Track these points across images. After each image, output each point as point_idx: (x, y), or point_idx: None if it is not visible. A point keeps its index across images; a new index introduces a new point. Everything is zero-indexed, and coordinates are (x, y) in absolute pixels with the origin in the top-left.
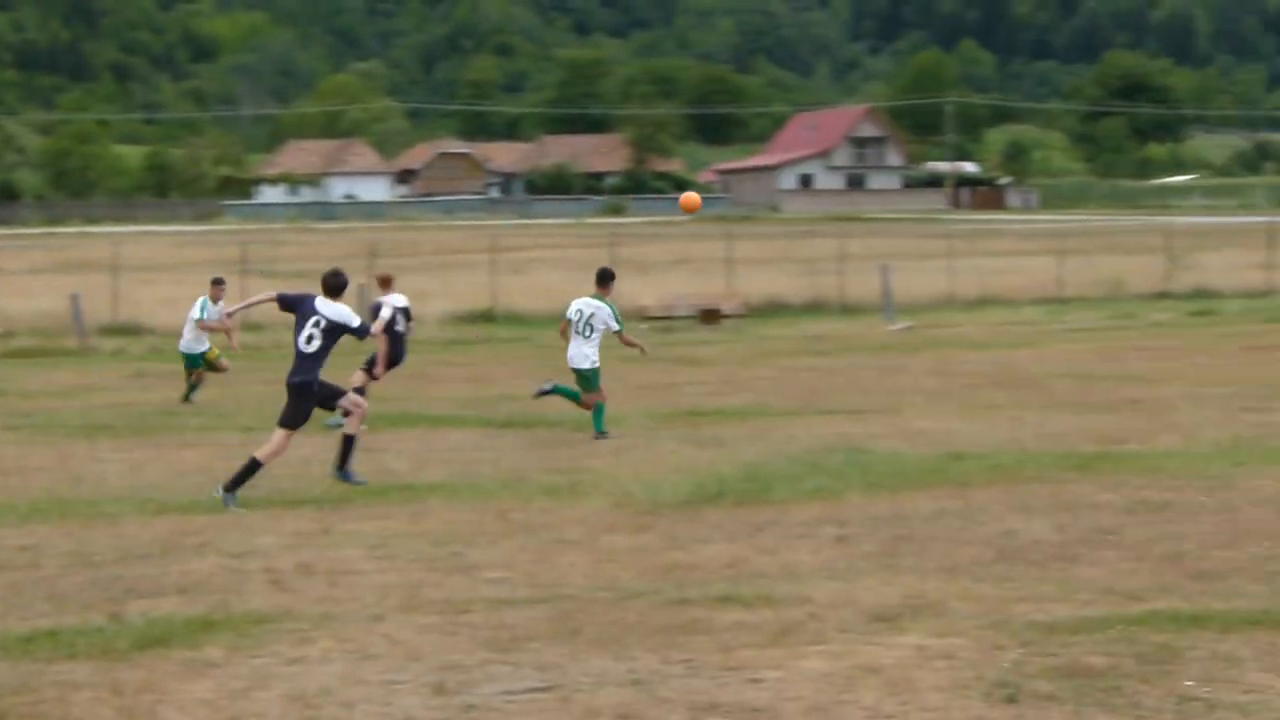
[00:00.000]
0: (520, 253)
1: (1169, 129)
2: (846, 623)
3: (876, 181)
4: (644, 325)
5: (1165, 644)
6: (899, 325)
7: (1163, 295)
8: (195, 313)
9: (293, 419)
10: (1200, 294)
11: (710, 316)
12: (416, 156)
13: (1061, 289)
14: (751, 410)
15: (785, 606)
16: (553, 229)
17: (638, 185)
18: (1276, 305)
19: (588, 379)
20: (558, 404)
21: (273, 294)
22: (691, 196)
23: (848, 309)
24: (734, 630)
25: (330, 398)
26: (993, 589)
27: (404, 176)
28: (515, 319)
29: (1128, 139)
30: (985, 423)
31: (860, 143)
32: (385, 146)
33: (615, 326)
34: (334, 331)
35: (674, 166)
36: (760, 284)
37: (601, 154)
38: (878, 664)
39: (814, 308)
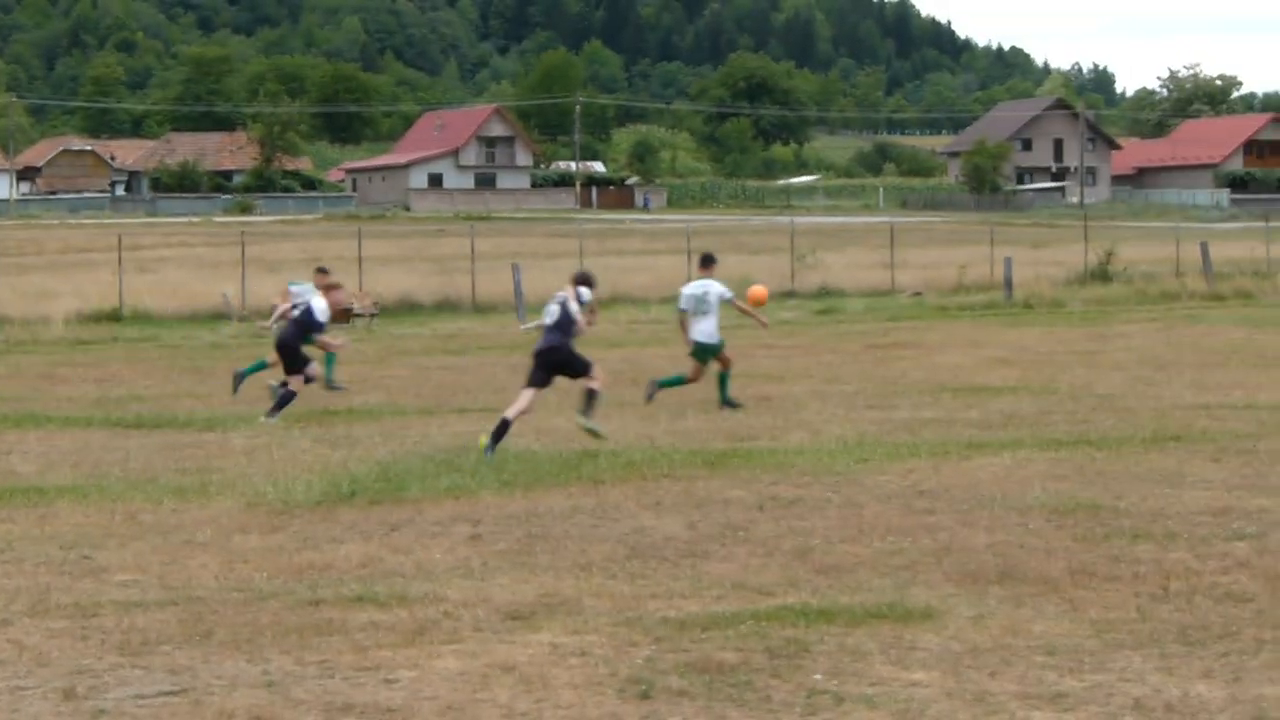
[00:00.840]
0: (148, 251)
1: (792, 130)
2: (481, 621)
3: (506, 181)
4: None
5: (794, 638)
6: (531, 324)
7: (789, 294)
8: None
9: None
10: (825, 293)
11: (342, 315)
12: (39, 154)
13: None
14: (385, 409)
15: (420, 605)
16: (180, 227)
17: (266, 183)
18: (898, 304)
19: (714, 351)
20: (188, 403)
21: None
22: (758, 290)
23: (480, 308)
24: (368, 630)
25: None
26: (626, 586)
27: (26, 174)
28: (143, 318)
29: (753, 140)
30: (617, 420)
31: (489, 142)
32: (6, 143)
33: (728, 294)
34: None
35: (302, 165)
36: (392, 283)
37: (229, 152)
38: (512, 662)
39: (446, 307)
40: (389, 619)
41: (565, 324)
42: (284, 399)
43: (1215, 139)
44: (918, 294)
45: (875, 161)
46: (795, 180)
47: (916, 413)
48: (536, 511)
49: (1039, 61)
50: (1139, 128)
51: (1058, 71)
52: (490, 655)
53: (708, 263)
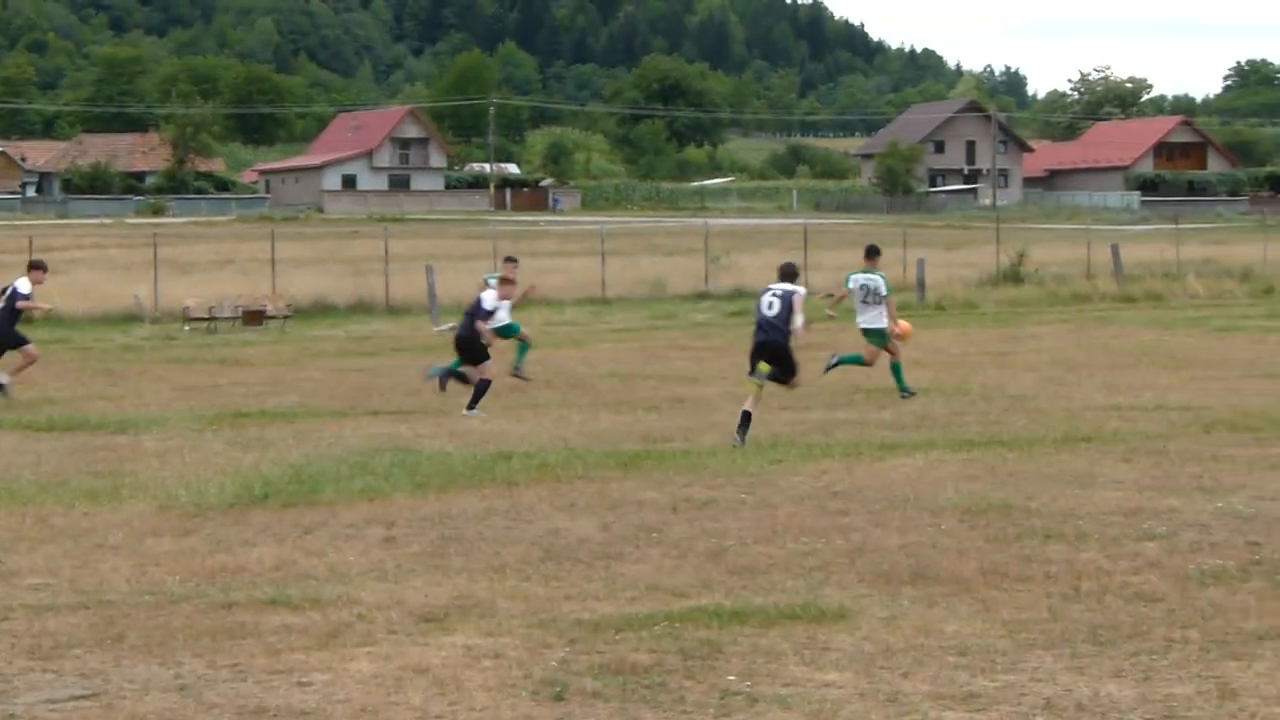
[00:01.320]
0: (59, 253)
1: (706, 132)
2: (395, 624)
3: (420, 182)
4: (186, 327)
5: (708, 639)
6: (445, 325)
7: (703, 295)
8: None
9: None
10: (739, 294)
11: (254, 318)
12: None
13: (605, 289)
14: (298, 411)
15: (333, 608)
16: (92, 229)
17: (179, 185)
18: (813, 305)
19: (881, 336)
20: (101, 405)
21: None
22: (905, 326)
23: (394, 310)
24: (281, 633)
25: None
26: (540, 588)
27: None
28: (54, 320)
29: (667, 142)
30: (532, 422)
31: (403, 143)
32: None
33: (884, 293)
34: None
35: (215, 166)
36: (305, 285)
37: (141, 153)
38: (426, 664)
39: (360, 308)
40: (302, 622)
41: (784, 319)
42: (480, 389)
43: (1126, 141)
44: (831, 296)
45: (789, 163)
46: (709, 182)
47: (830, 414)
48: (450, 514)
49: (951, 64)
50: (1050, 130)
51: (970, 74)
52: (404, 658)
53: (872, 254)
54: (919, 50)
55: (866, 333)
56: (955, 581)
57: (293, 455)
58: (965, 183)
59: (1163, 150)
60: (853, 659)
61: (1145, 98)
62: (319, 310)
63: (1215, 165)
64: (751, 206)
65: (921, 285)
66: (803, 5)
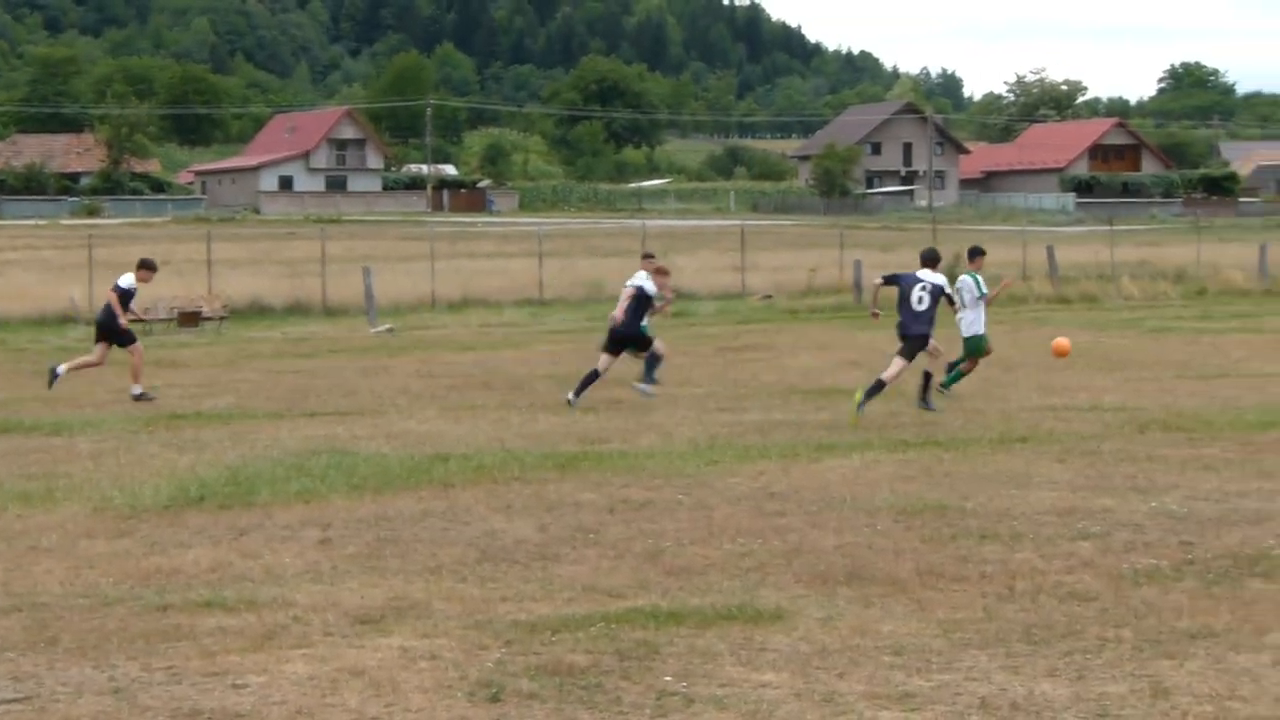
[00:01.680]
0: None
1: (644, 133)
2: (330, 625)
3: (357, 184)
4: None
5: (645, 640)
6: (382, 327)
7: None
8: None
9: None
10: (677, 295)
11: (190, 319)
12: None
13: (542, 291)
14: (234, 413)
15: (268, 610)
16: (27, 230)
17: (114, 186)
18: (749, 307)
19: (974, 343)
20: (35, 408)
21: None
22: (1062, 344)
23: (331, 311)
24: (216, 635)
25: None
26: (476, 589)
27: None
28: None
29: (604, 143)
30: (469, 423)
31: (340, 145)
32: None
33: (977, 292)
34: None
35: (151, 167)
36: (242, 286)
37: (76, 154)
38: (362, 666)
39: (297, 310)
40: (237, 624)
41: (932, 312)
42: (652, 360)
43: (1061, 143)
44: (768, 297)
45: (726, 165)
46: (646, 183)
47: (767, 415)
48: (386, 515)
49: (888, 66)
50: (987, 132)
51: (907, 76)
52: (339, 660)
53: (974, 255)
54: (856, 52)
55: (964, 340)
56: (891, 582)
57: (229, 457)
58: (902, 184)
59: (1097, 152)
60: (789, 659)
61: (1080, 100)
62: (255, 312)
63: (1149, 167)
64: (689, 208)
65: (858, 286)
66: (740, 7)
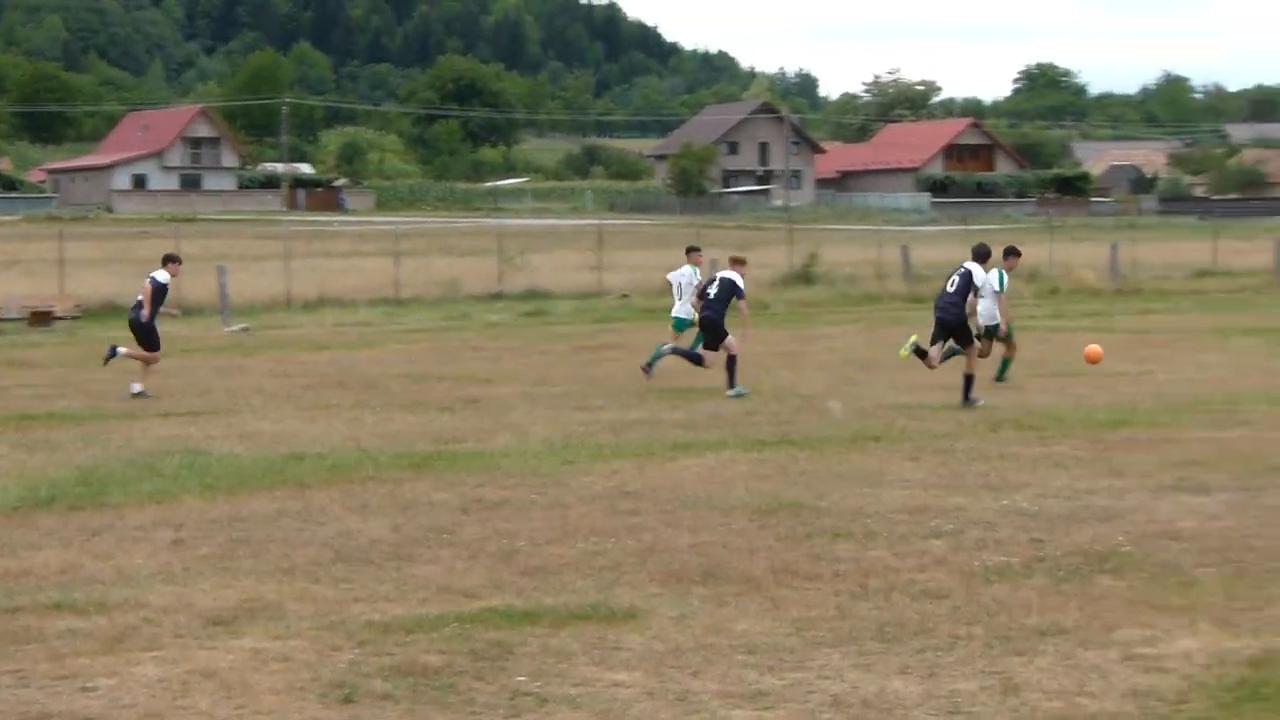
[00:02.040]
0: None
1: (501, 133)
2: (182, 627)
3: (212, 182)
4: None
5: (499, 640)
6: (236, 326)
7: (497, 296)
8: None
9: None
10: (533, 295)
11: (41, 318)
12: None
13: (398, 290)
14: (85, 414)
15: (119, 612)
16: None
17: None
18: (606, 306)
19: (990, 332)
20: None
21: None
22: (1095, 351)
23: (185, 310)
24: (66, 638)
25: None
26: (330, 590)
27: None
28: None
29: (461, 142)
30: (324, 423)
31: (194, 143)
32: None
33: (995, 288)
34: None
35: (2, 165)
36: (94, 285)
37: None
38: (213, 668)
39: None
40: (88, 626)
41: (962, 295)
42: (730, 366)
43: (916, 143)
44: (625, 296)
45: (583, 164)
46: (503, 182)
47: (623, 414)
48: (240, 516)
49: (745, 66)
50: (843, 132)
51: (763, 76)
52: (191, 662)
53: (1009, 255)
54: (713, 52)
55: (987, 329)
56: (745, 580)
57: (80, 458)
58: (758, 184)
59: (952, 152)
60: (642, 658)
61: (935, 100)
62: (109, 311)
63: (1003, 167)
64: (546, 207)
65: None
66: (598, 6)
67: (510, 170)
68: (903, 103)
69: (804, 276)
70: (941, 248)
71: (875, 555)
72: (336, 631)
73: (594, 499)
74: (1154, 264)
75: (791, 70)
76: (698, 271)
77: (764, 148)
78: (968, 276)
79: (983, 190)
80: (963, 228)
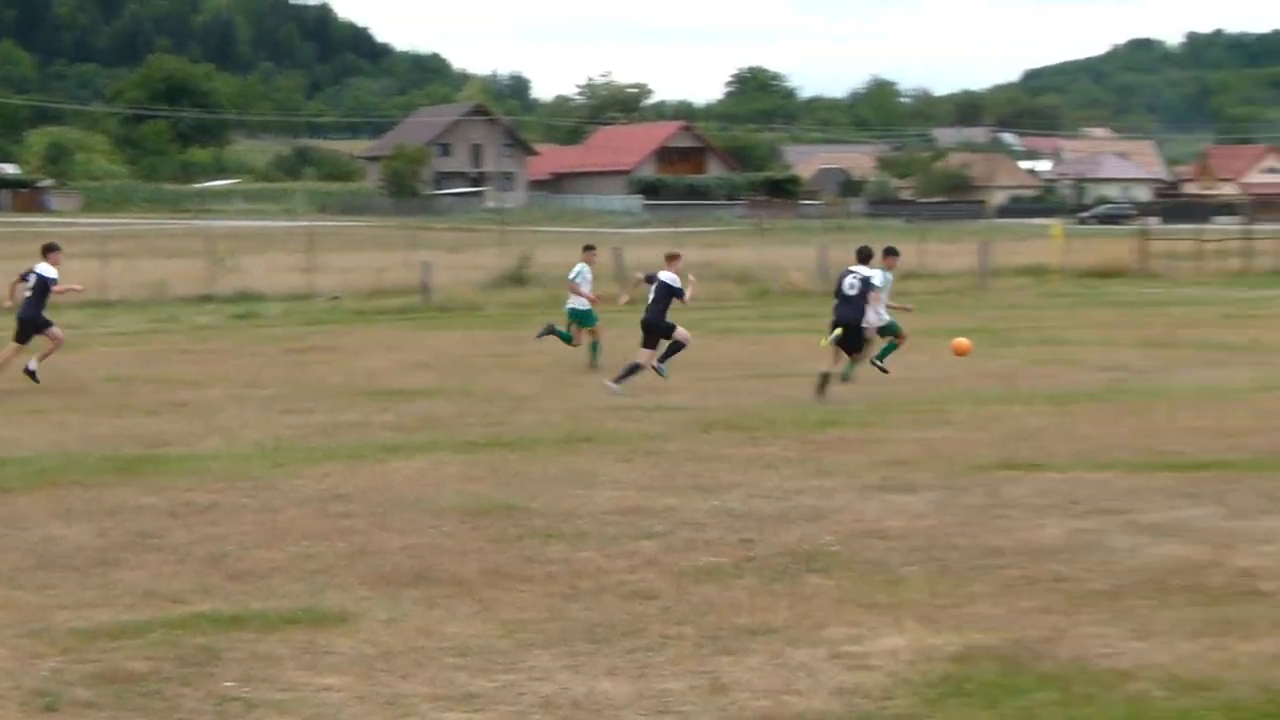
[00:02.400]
0: None
1: (211, 133)
2: None
3: None
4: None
5: (206, 646)
6: None
7: (206, 298)
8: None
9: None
10: (244, 297)
11: None
12: None
13: (105, 292)
14: None
15: None
16: None
17: None
18: (317, 308)
19: (891, 329)
20: None
21: None
22: (962, 344)
23: None
24: None
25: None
26: (33, 596)
27: None
28: None
29: (170, 142)
30: (29, 427)
31: None
32: None
33: (877, 286)
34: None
35: None
36: None
37: None
38: None
39: None
40: None
41: (864, 298)
42: (674, 349)
43: (628, 146)
44: (336, 298)
45: (295, 165)
46: (212, 184)
47: (334, 416)
48: None
49: (457, 67)
50: (556, 134)
51: (476, 78)
52: None
53: (888, 254)
54: (425, 54)
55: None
56: (456, 583)
57: None
58: (471, 185)
59: (664, 155)
60: (352, 662)
61: (647, 103)
62: None
63: (715, 170)
64: (257, 208)
65: (426, 288)
66: (309, 7)
67: (221, 171)
68: (615, 105)
69: (517, 278)
70: (654, 249)
71: (586, 556)
72: (39, 639)
73: (304, 502)
74: None
75: (504, 72)
76: (586, 268)
77: (477, 150)
78: (867, 281)
79: (694, 192)
80: (673, 230)
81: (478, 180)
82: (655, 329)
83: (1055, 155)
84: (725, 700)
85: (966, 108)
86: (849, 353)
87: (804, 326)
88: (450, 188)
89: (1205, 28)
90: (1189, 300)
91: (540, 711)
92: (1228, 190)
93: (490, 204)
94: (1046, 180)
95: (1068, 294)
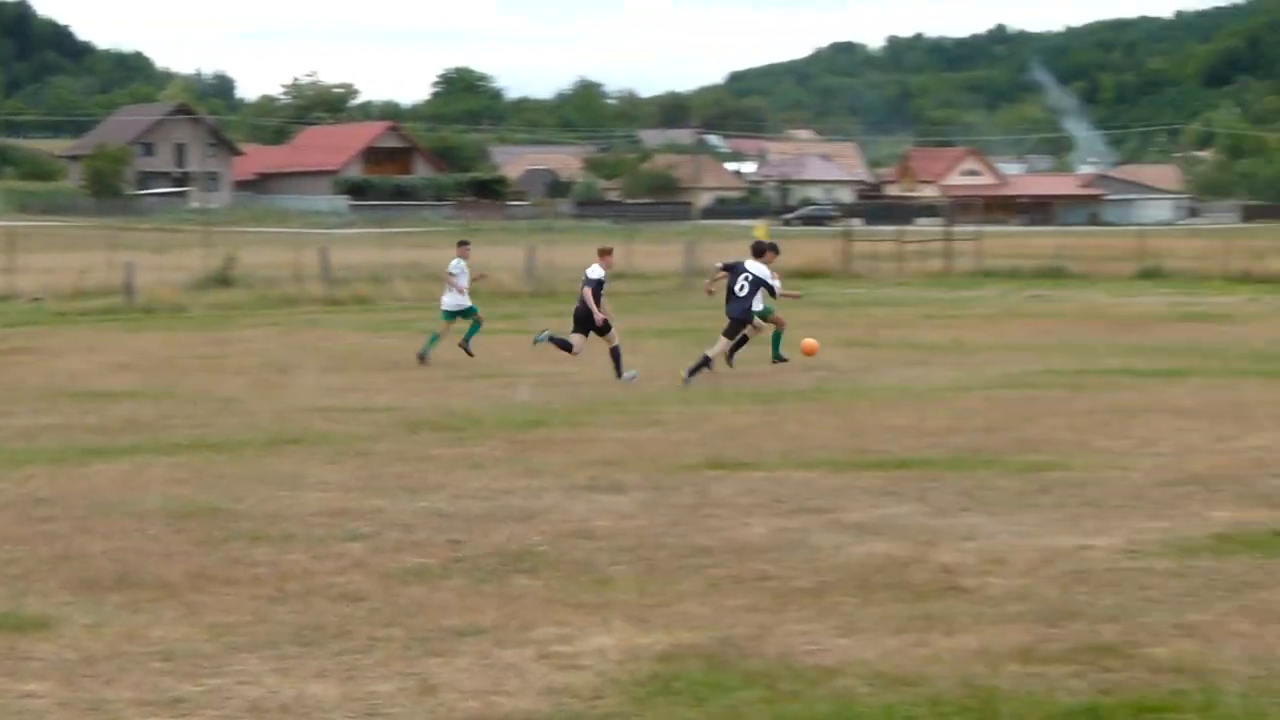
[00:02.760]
0: None
1: None
2: None
3: None
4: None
5: None
6: None
7: None
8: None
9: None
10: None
11: None
12: None
13: None
14: None
15: None
16: None
17: None
18: (17, 310)
19: (762, 315)
20: None
21: None
22: (810, 344)
23: None
24: None
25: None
26: None
27: None
28: None
29: None
30: None
31: None
32: None
33: (771, 283)
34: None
35: None
36: None
37: None
38: None
39: None
40: None
41: (754, 295)
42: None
43: (335, 146)
44: (37, 299)
45: None
46: None
47: (35, 419)
48: None
49: (160, 66)
50: (261, 134)
51: (180, 77)
52: None
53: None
54: (128, 52)
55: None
56: (161, 586)
57: None
58: (175, 185)
59: (371, 155)
60: (54, 668)
61: (354, 103)
62: None
63: (422, 170)
64: None
65: (130, 289)
66: (8, 4)
67: None
68: (321, 105)
69: (222, 279)
70: (360, 250)
71: (293, 559)
72: None
73: (5, 506)
74: (570, 267)
75: (209, 72)
76: (462, 263)
77: (181, 149)
78: (757, 280)
79: (401, 193)
80: (380, 230)
81: (182, 180)
82: (587, 320)
83: (760, 157)
84: (434, 701)
85: (672, 109)
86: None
87: (512, 328)
88: (154, 188)
89: (905, 32)
90: (891, 301)
91: (248, 715)
92: (928, 192)
93: (195, 204)
94: (752, 182)
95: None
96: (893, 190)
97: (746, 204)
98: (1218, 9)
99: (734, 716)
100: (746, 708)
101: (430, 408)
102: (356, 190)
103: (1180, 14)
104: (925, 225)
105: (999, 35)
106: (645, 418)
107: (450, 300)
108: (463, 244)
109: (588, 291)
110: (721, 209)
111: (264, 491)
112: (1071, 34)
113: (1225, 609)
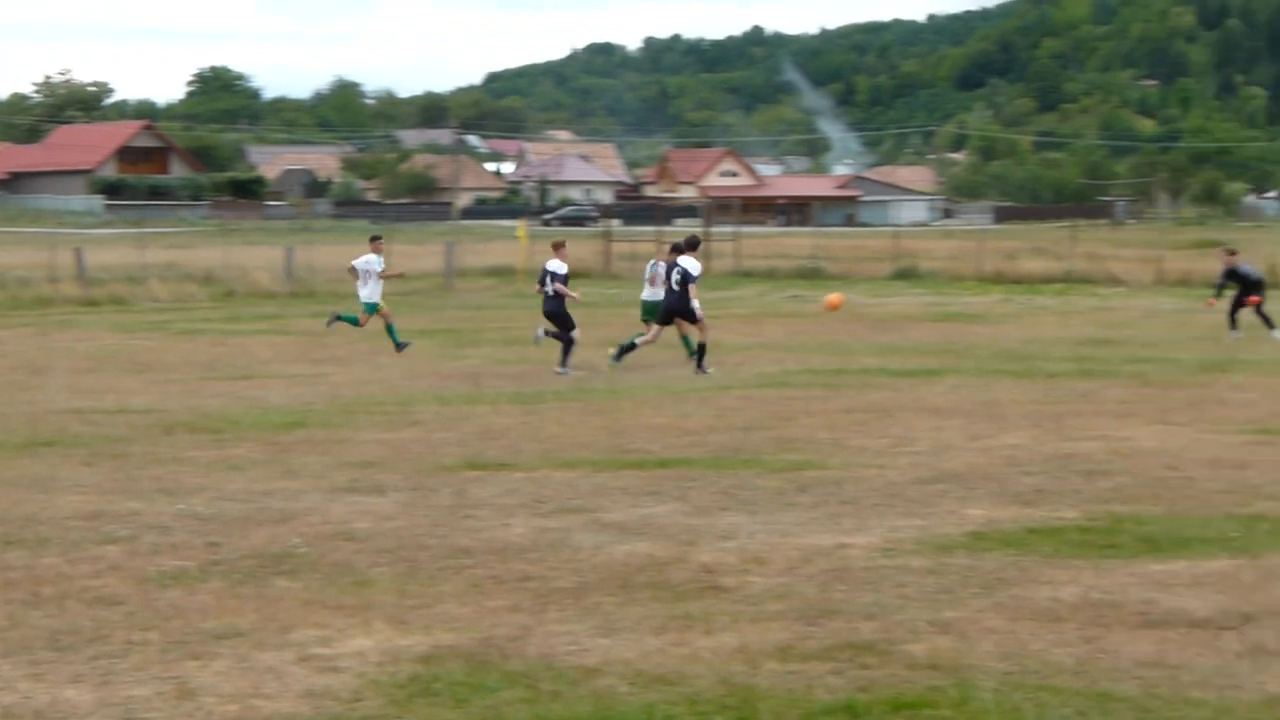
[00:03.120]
0: None
1: None
2: None
3: None
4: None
5: None
6: None
7: None
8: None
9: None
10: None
11: None
12: None
13: None
14: None
15: None
16: None
17: None
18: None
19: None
20: None
21: None
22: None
23: None
24: None
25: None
26: None
27: None
28: None
29: None
30: None
31: None
32: None
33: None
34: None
35: None
36: None
37: None
38: None
39: None
40: None
41: (684, 287)
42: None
43: (89, 145)
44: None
45: None
46: None
47: None
48: None
49: None
50: (13, 133)
51: None
52: None
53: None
54: None
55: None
56: None
57: None
58: None
59: (126, 154)
60: None
61: (108, 102)
62: None
63: (178, 170)
64: None
65: None
66: None
67: None
68: (75, 104)
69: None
70: (116, 250)
71: (48, 562)
72: None
73: None
74: (328, 267)
75: None
76: (381, 259)
77: None
78: (686, 273)
79: (157, 193)
80: (137, 230)
81: None
82: (556, 316)
83: (519, 157)
84: (192, 705)
85: (430, 110)
86: (663, 325)
87: (270, 328)
88: None
89: (663, 33)
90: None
91: None
92: (687, 193)
93: None
94: (511, 182)
95: (533, 296)
96: (651, 191)
97: (506, 204)
98: (969, 13)
99: (495, 717)
100: (507, 708)
101: (186, 410)
102: (112, 190)
103: (933, 18)
104: (684, 226)
105: (756, 37)
106: (404, 419)
107: (368, 292)
108: (375, 239)
109: (561, 287)
110: (481, 209)
111: (17, 494)
112: (826, 36)
113: (980, 606)
